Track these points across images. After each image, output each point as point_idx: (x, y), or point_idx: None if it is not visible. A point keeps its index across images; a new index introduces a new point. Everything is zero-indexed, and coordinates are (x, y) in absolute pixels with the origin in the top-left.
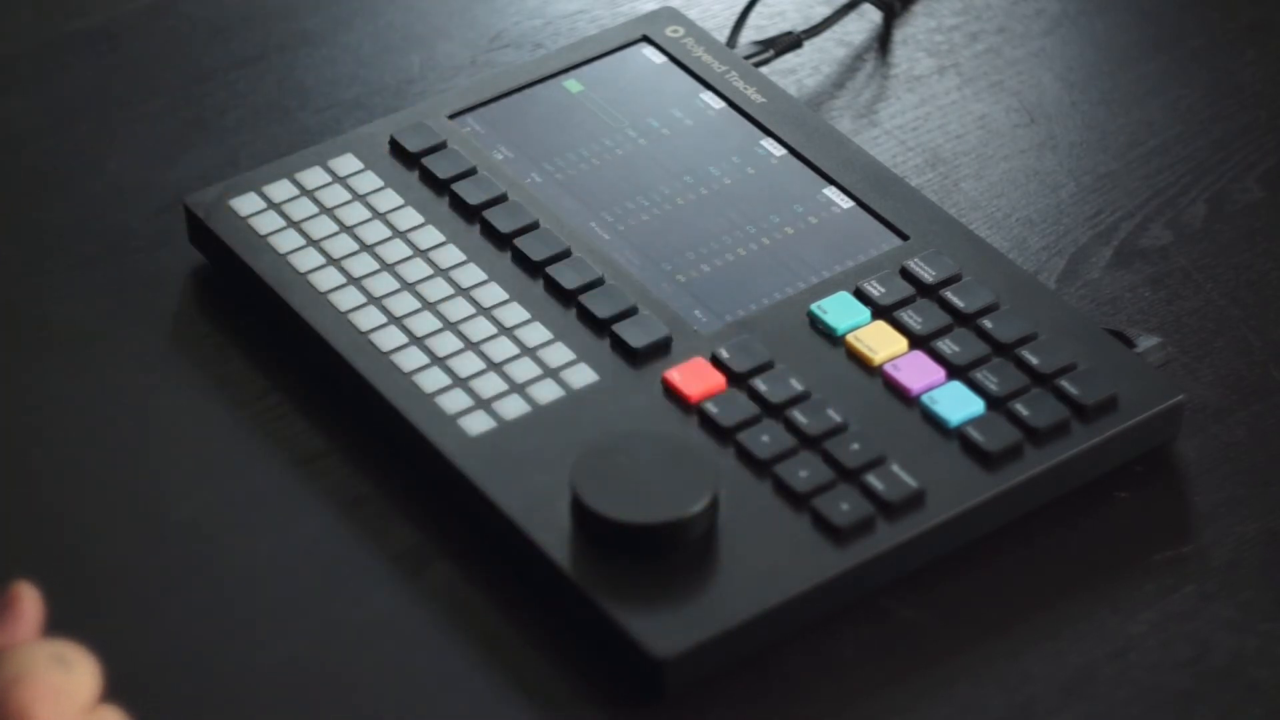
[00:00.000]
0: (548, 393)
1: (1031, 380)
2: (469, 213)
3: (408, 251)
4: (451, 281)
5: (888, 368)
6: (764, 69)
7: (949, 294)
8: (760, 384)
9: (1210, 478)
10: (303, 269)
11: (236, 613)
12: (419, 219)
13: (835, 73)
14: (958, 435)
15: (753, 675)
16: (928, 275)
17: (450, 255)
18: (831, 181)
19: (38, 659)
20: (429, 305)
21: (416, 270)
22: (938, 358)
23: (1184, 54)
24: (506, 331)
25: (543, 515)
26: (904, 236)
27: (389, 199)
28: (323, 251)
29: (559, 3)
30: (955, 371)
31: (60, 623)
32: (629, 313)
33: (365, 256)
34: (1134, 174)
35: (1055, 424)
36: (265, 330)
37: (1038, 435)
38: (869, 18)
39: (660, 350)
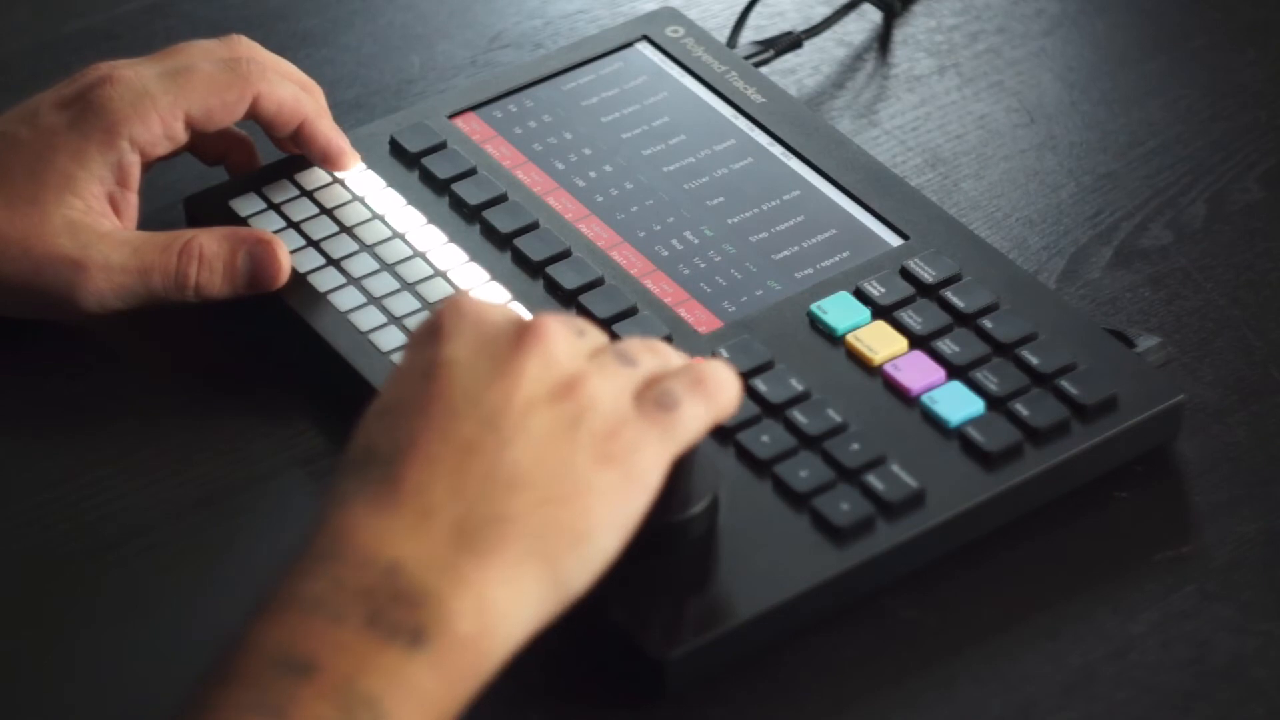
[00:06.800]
0: None
1: (1031, 380)
2: (469, 213)
3: (408, 251)
4: (451, 282)
5: (888, 368)
6: (764, 69)
7: (949, 294)
8: (760, 384)
9: (1210, 478)
10: (303, 269)
11: (237, 613)
12: (419, 219)
13: (835, 73)
14: (958, 435)
15: (753, 675)
16: (928, 275)
17: (450, 255)
18: (831, 181)
19: None
20: (429, 305)
21: (417, 270)
22: (938, 358)
23: (1184, 54)
24: None
25: None
26: (904, 236)
27: (389, 199)
28: (322, 252)
29: (559, 3)
30: (955, 371)
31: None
32: (629, 313)
33: (365, 256)
34: (1134, 174)
35: (1055, 424)
36: (265, 330)
37: (1038, 435)
38: (869, 18)
39: None
